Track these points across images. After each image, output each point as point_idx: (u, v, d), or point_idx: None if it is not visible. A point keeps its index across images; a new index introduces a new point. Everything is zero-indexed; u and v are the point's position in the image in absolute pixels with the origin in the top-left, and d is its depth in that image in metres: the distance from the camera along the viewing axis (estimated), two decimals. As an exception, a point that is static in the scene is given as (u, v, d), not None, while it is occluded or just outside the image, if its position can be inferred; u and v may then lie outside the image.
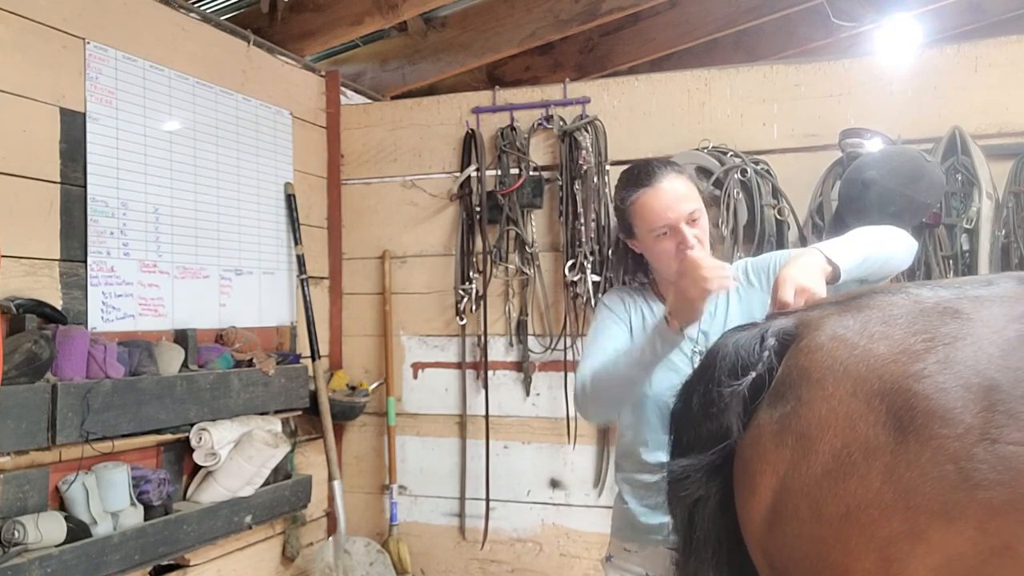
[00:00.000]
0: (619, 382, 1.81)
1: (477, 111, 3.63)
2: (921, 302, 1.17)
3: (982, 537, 0.99)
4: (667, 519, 1.83)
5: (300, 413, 3.37)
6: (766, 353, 1.27)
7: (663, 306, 1.99)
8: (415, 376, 3.74)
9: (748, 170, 3.10)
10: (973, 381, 1.04)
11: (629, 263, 2.09)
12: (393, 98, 4.20)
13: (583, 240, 3.34)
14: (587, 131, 3.38)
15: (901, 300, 1.19)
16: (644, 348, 1.75)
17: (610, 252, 3.33)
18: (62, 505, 2.41)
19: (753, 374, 1.27)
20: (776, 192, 3.13)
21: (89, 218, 2.59)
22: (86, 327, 2.54)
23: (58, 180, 2.51)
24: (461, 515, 3.64)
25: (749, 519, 1.22)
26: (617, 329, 1.97)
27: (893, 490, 1.04)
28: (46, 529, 2.24)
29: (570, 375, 3.44)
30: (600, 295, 3.27)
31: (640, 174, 1.91)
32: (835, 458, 1.10)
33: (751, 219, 3.10)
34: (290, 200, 3.49)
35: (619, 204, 1.95)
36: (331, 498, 3.46)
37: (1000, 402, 1.01)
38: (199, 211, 3.04)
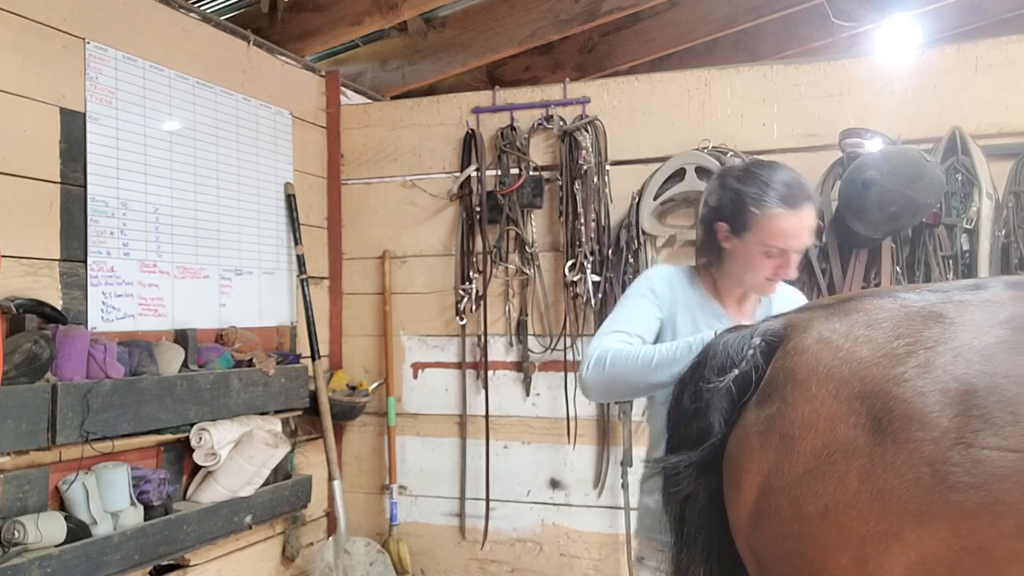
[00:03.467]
0: (642, 378, 1.71)
1: (477, 111, 3.63)
2: (907, 306, 1.18)
3: (955, 539, 1.00)
4: None
5: (300, 413, 3.37)
6: (751, 352, 1.29)
7: (714, 302, 1.93)
8: (415, 376, 3.74)
9: (748, 170, 3.09)
10: (951, 386, 1.05)
11: (708, 249, 1.97)
12: (393, 98, 4.20)
13: (583, 240, 3.34)
14: (587, 131, 3.39)
15: (888, 304, 1.20)
16: (683, 359, 1.61)
17: (610, 252, 3.34)
18: (62, 505, 2.41)
19: (736, 371, 1.29)
20: (776, 192, 3.13)
21: (89, 218, 2.59)
22: (86, 327, 2.54)
23: (58, 180, 2.52)
24: (461, 515, 3.64)
25: (736, 516, 1.24)
26: (651, 310, 1.89)
27: (870, 491, 1.06)
28: (46, 529, 2.24)
29: (570, 375, 3.44)
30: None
31: (793, 190, 1.84)
32: (816, 458, 1.11)
33: (751, 219, 3.10)
34: (290, 200, 3.49)
35: (751, 205, 1.83)
36: (331, 498, 3.46)
37: (976, 407, 1.02)
38: (199, 211, 3.04)
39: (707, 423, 1.30)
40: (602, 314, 3.39)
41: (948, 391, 1.05)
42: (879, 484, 1.05)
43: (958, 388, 1.05)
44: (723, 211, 1.89)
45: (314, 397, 3.41)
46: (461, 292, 3.58)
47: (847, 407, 1.11)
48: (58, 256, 2.51)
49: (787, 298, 2.02)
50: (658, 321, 1.90)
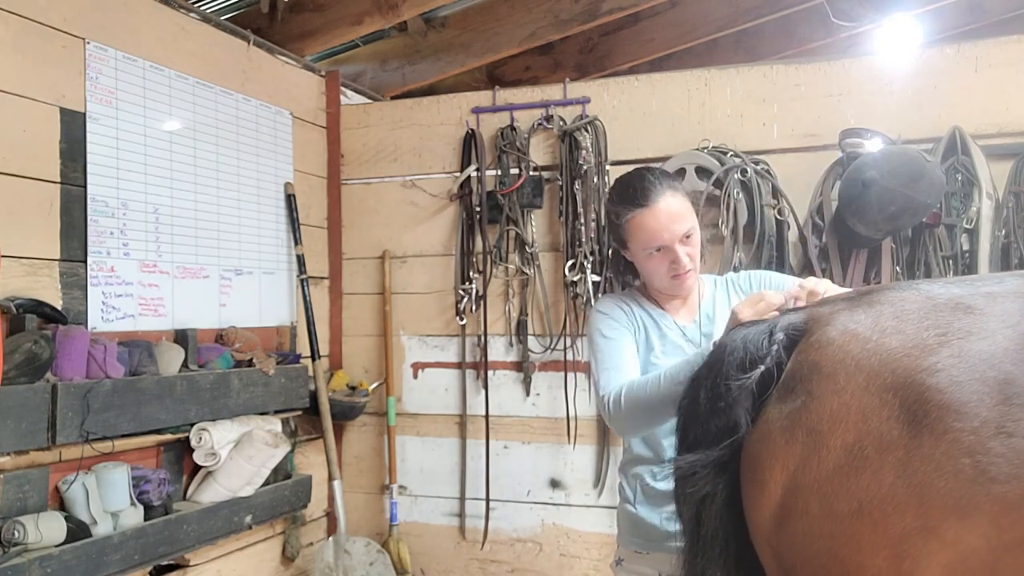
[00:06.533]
0: (658, 405, 1.72)
1: (477, 111, 3.63)
2: (933, 298, 1.16)
3: (997, 532, 0.98)
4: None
5: (300, 413, 3.37)
6: (775, 347, 1.26)
7: (659, 309, 1.99)
8: (415, 376, 3.73)
9: (748, 170, 3.10)
10: (988, 375, 1.03)
11: (621, 266, 2.08)
12: (393, 98, 4.20)
13: (583, 240, 3.34)
14: (587, 131, 3.38)
15: (913, 296, 1.18)
16: (686, 373, 1.64)
17: (609, 252, 3.33)
18: (62, 505, 2.41)
19: (762, 368, 1.26)
20: (776, 192, 3.13)
21: (89, 218, 2.59)
22: (86, 327, 2.53)
23: (58, 180, 2.51)
24: (461, 515, 3.64)
25: (757, 516, 1.21)
26: (623, 336, 1.93)
27: (907, 485, 1.03)
28: (46, 529, 2.23)
29: (570, 375, 3.44)
30: (593, 302, 3.27)
31: (636, 192, 1.88)
32: (847, 453, 1.08)
33: (751, 219, 3.10)
34: (290, 200, 3.49)
35: (613, 219, 1.93)
36: (331, 498, 3.46)
37: (1016, 395, 1.00)
38: (199, 211, 3.04)
39: (731, 421, 1.26)
40: (602, 314, 3.39)
41: (986, 380, 1.02)
42: (916, 478, 1.02)
43: (996, 377, 1.02)
44: (609, 233, 2.01)
45: (314, 397, 3.40)
46: (461, 292, 3.58)
47: (879, 399, 1.08)
48: (58, 256, 2.50)
49: (723, 285, 2.04)
50: (631, 338, 1.94)
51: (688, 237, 1.87)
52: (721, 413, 1.28)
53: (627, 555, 2.00)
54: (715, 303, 1.99)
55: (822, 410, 1.13)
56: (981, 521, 0.98)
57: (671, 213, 1.85)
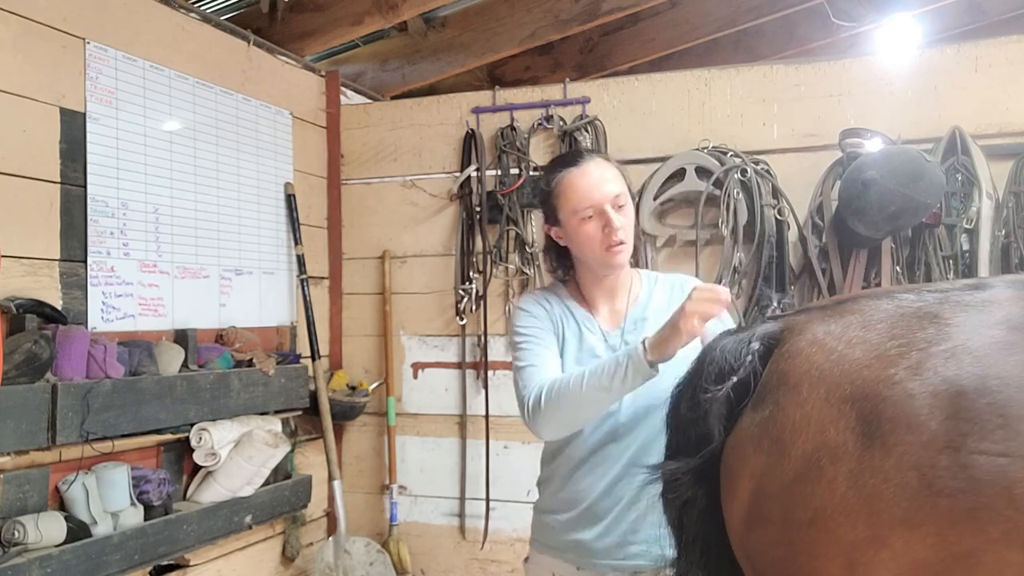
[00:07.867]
0: (582, 404, 1.68)
1: (477, 111, 3.63)
2: (903, 307, 1.16)
3: (943, 544, 0.99)
4: (581, 535, 1.80)
5: (300, 413, 3.37)
6: (749, 357, 1.28)
7: (581, 309, 1.90)
8: (415, 376, 3.74)
9: (748, 170, 3.10)
10: (941, 388, 1.03)
11: (554, 256, 1.96)
12: (393, 98, 4.20)
13: (583, 240, 3.33)
14: (587, 131, 3.39)
15: (884, 304, 1.18)
16: (613, 373, 1.62)
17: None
18: (62, 505, 2.41)
19: (735, 378, 1.28)
20: (776, 192, 3.13)
21: (89, 218, 2.59)
22: (86, 327, 2.54)
23: (58, 180, 2.52)
24: (461, 515, 3.64)
25: (732, 521, 1.23)
26: (543, 334, 1.85)
27: (858, 496, 1.04)
28: (46, 529, 2.24)
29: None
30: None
31: (567, 156, 1.92)
32: (805, 463, 1.10)
33: (751, 219, 3.11)
34: (290, 200, 3.49)
35: (544, 188, 1.89)
36: (331, 498, 3.46)
37: (965, 410, 1.01)
38: (199, 211, 3.04)
39: (706, 430, 1.29)
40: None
41: (938, 393, 1.03)
42: (867, 489, 1.04)
43: (948, 390, 1.03)
44: (543, 213, 1.93)
45: (314, 397, 3.41)
46: (461, 292, 3.58)
47: (837, 410, 1.09)
48: (58, 256, 2.51)
49: (666, 288, 1.94)
50: (554, 338, 1.86)
51: (621, 207, 1.81)
52: (698, 422, 1.31)
53: (532, 554, 2.01)
54: (648, 306, 1.89)
55: (786, 420, 1.14)
56: (928, 533, 1.00)
57: (601, 173, 1.82)
